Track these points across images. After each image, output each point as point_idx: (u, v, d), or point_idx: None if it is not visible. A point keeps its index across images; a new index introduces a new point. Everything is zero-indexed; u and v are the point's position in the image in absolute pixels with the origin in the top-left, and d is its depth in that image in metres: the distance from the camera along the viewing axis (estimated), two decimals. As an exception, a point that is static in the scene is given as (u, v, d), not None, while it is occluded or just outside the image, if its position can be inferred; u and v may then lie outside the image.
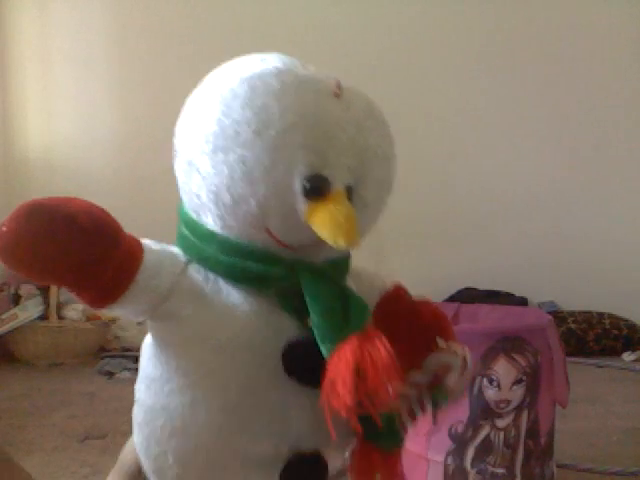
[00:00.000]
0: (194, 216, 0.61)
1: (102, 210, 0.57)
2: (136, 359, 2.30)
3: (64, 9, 2.84)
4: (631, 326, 2.63)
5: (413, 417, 0.61)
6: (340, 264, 0.63)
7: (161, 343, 0.60)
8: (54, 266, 0.53)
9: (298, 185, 0.55)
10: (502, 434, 1.05)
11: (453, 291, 2.78)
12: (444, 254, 2.87)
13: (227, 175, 0.55)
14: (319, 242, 0.55)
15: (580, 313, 2.70)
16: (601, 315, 2.67)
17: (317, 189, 0.55)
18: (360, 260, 2.47)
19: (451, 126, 2.91)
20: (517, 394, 1.05)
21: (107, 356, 2.33)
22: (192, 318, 0.58)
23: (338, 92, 0.58)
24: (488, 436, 1.04)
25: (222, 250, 0.58)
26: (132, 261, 0.57)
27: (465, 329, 1.08)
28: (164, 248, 0.61)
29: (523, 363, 1.05)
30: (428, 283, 2.87)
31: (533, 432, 1.07)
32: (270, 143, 0.54)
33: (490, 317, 1.34)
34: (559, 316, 2.63)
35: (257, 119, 0.54)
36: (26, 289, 2.40)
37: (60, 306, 2.44)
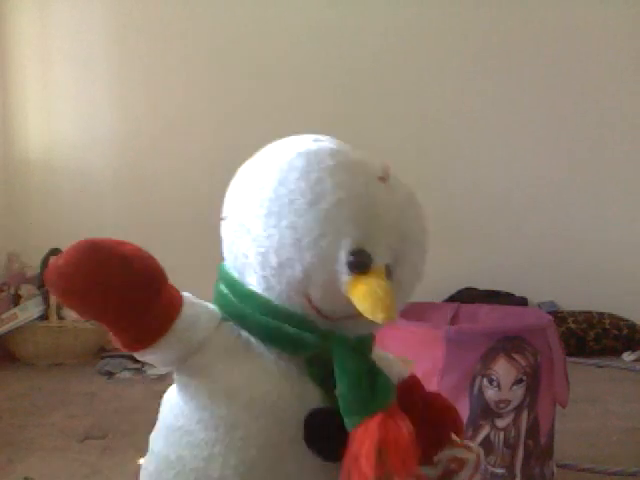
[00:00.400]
0: (236, 275, 0.64)
1: (151, 256, 0.59)
2: (136, 359, 2.31)
3: (64, 9, 2.84)
4: (631, 326, 2.63)
5: None
6: (368, 342, 0.66)
7: (186, 396, 0.61)
8: (102, 304, 0.55)
9: (343, 257, 0.58)
10: (502, 434, 1.05)
11: (453, 291, 2.78)
12: (444, 254, 2.86)
13: (277, 239, 0.58)
14: (354, 316, 0.58)
15: (580, 313, 2.70)
16: (601, 315, 2.67)
17: (360, 263, 0.58)
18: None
19: (450, 126, 2.91)
20: (517, 394, 1.05)
21: (107, 356, 2.33)
22: (221, 374, 0.59)
23: (385, 177, 0.63)
24: (488, 436, 1.04)
25: (261, 310, 0.60)
26: (172, 310, 0.59)
27: (465, 329, 1.09)
28: (202, 303, 0.64)
29: (523, 363, 1.05)
30: (428, 283, 2.86)
31: (533, 432, 1.07)
32: (321, 214, 0.57)
33: (490, 317, 1.34)
34: (559, 316, 2.63)
35: (311, 191, 0.58)
36: (26, 289, 2.40)
37: (60, 306, 2.44)
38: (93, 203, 2.74)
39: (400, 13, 2.89)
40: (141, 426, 1.61)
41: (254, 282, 0.61)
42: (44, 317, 2.38)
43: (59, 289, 0.55)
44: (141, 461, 0.66)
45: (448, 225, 2.89)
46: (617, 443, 1.53)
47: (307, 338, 0.59)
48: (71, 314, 2.45)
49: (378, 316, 0.55)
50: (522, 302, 2.74)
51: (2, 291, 2.41)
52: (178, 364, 0.61)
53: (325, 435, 0.57)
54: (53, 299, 2.40)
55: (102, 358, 2.32)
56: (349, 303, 0.58)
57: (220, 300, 0.64)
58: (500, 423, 1.04)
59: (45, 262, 2.46)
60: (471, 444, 0.65)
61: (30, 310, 2.35)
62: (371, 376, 0.59)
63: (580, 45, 2.88)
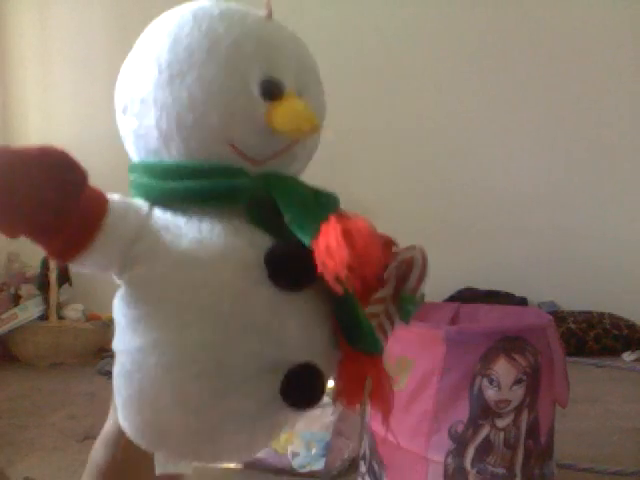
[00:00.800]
0: (151, 159, 0.63)
1: (67, 153, 0.56)
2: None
3: (64, 10, 2.84)
4: (631, 326, 2.63)
5: (384, 333, 0.64)
6: (296, 177, 0.66)
7: (139, 286, 0.59)
8: (24, 208, 0.52)
9: (255, 89, 0.59)
10: (502, 434, 1.05)
11: (453, 291, 2.78)
12: (444, 254, 2.86)
13: (186, 97, 0.58)
14: (278, 153, 0.60)
15: (580, 313, 2.70)
16: (601, 315, 2.67)
17: (273, 90, 0.59)
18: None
19: (450, 127, 2.91)
20: (517, 394, 1.05)
21: (107, 356, 2.33)
22: (169, 251, 0.58)
23: (270, 15, 0.64)
24: (488, 436, 1.04)
25: (189, 175, 0.59)
26: (99, 202, 0.57)
27: (465, 329, 1.09)
28: (126, 197, 0.62)
29: (523, 363, 1.05)
30: (428, 283, 2.87)
31: (533, 432, 1.07)
32: (223, 57, 0.58)
33: (490, 317, 1.34)
34: (559, 316, 2.63)
35: (207, 39, 0.59)
36: (26, 289, 2.40)
37: (60, 306, 2.44)
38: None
39: (398, 13, 2.90)
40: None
41: (173, 153, 0.60)
42: (44, 317, 2.39)
43: None
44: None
45: (448, 225, 2.90)
46: (617, 443, 1.53)
47: (242, 183, 0.59)
48: (71, 314, 2.45)
49: (304, 127, 0.57)
50: (522, 302, 2.74)
51: (2, 291, 2.41)
52: (121, 261, 0.58)
53: (289, 267, 0.57)
54: (53, 299, 2.40)
55: (102, 358, 2.32)
56: (272, 139, 0.59)
57: (140, 190, 0.62)
58: (500, 423, 1.04)
59: (45, 262, 2.47)
60: (412, 245, 0.65)
61: (30, 310, 2.35)
62: (314, 195, 0.62)
63: (579, 44, 2.88)
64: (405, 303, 0.64)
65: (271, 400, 0.57)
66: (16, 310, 2.33)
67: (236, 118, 0.59)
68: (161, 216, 0.59)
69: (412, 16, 2.90)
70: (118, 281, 0.61)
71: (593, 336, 2.58)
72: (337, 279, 0.53)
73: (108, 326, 2.50)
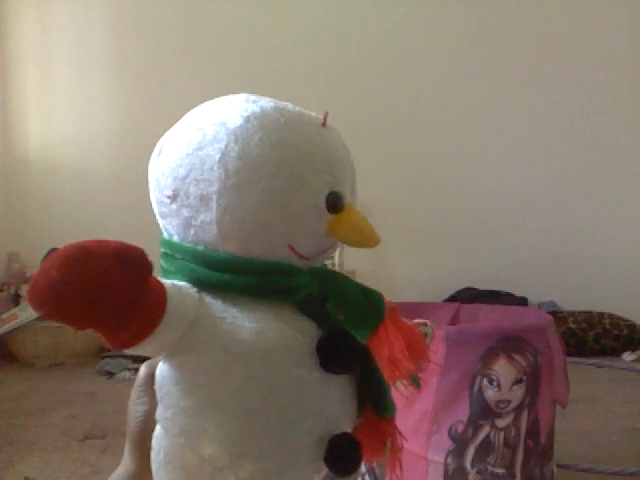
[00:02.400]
0: (200, 247, 0.64)
1: (141, 249, 0.58)
2: (136, 359, 2.33)
3: (64, 11, 2.84)
4: (631, 326, 2.63)
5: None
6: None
7: (199, 374, 0.61)
8: (106, 308, 0.53)
9: (322, 203, 0.63)
10: (502, 434, 1.05)
11: (453, 291, 2.78)
12: (444, 254, 2.87)
13: (254, 204, 0.61)
14: (325, 250, 0.65)
15: (580, 313, 2.70)
16: (601, 315, 2.67)
17: (335, 204, 0.64)
18: (360, 260, 2.49)
19: (450, 126, 2.91)
20: (517, 394, 1.05)
21: (107, 356, 2.33)
22: (229, 342, 0.60)
23: (325, 123, 0.66)
24: (488, 436, 1.04)
25: (245, 270, 0.63)
26: (160, 292, 0.59)
27: (465, 329, 1.08)
28: (176, 282, 0.63)
29: (523, 363, 1.05)
30: (428, 283, 2.88)
31: (533, 432, 1.07)
32: (292, 172, 0.61)
33: (490, 317, 1.34)
34: (559, 316, 2.63)
35: (276, 152, 0.61)
36: (26, 289, 2.39)
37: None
38: (93, 202, 2.75)
39: (398, 12, 2.90)
40: (141, 426, 1.61)
41: (230, 248, 0.63)
42: (44, 317, 2.39)
43: (60, 308, 0.51)
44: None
45: (448, 225, 2.90)
46: (617, 443, 1.53)
47: (300, 282, 0.63)
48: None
49: (369, 243, 0.63)
50: (522, 302, 2.74)
51: (2, 291, 2.41)
52: (174, 347, 0.60)
53: (337, 355, 0.63)
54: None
55: (102, 358, 2.32)
56: (326, 240, 0.64)
57: (188, 273, 0.63)
58: (500, 423, 1.04)
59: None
60: (420, 320, 0.71)
61: (30, 310, 2.35)
62: (364, 293, 0.66)
63: (579, 43, 2.88)
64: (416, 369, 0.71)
65: (317, 468, 0.63)
66: (16, 310, 2.33)
67: (300, 228, 0.62)
68: (214, 303, 0.62)
69: (412, 13, 2.90)
70: (164, 361, 0.62)
71: (593, 336, 2.58)
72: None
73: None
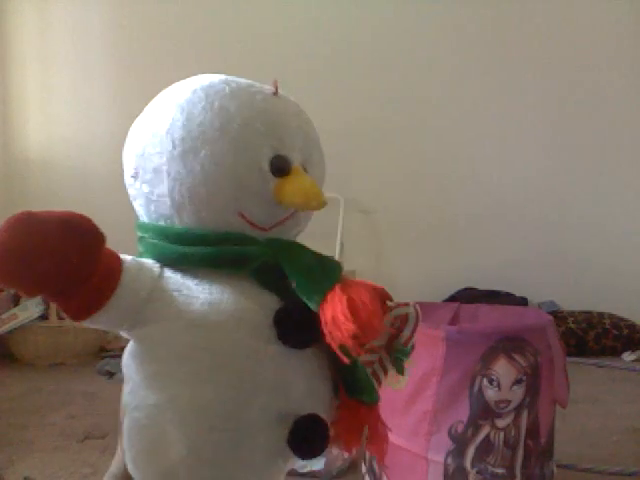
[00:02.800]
0: (163, 223, 0.66)
1: (85, 215, 0.59)
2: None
3: (63, 11, 2.84)
4: (631, 326, 2.63)
5: (378, 379, 0.68)
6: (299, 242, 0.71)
7: (153, 344, 0.61)
8: (47, 271, 0.54)
9: (266, 166, 0.63)
10: (502, 434, 1.05)
11: (453, 291, 2.78)
12: (444, 254, 2.87)
13: (199, 171, 0.62)
14: (283, 221, 0.65)
15: (580, 313, 2.70)
16: (601, 315, 2.67)
17: (282, 167, 0.64)
18: (360, 260, 2.49)
19: (450, 126, 2.91)
20: (517, 394, 1.05)
21: (107, 356, 2.33)
22: (183, 312, 0.60)
23: (276, 92, 0.68)
24: (488, 436, 1.04)
25: (200, 241, 0.63)
26: (114, 264, 0.60)
27: (465, 329, 1.08)
28: (138, 258, 0.64)
29: (523, 363, 1.05)
30: (428, 283, 2.88)
31: (533, 432, 1.07)
32: (234, 135, 0.62)
33: (490, 317, 1.34)
34: (559, 316, 2.63)
35: (218, 118, 0.63)
36: None
37: (60, 306, 2.44)
38: (92, 202, 2.73)
39: (397, 12, 2.90)
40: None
41: (184, 220, 0.64)
42: (44, 317, 2.38)
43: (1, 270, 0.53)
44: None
45: (448, 225, 2.90)
46: (617, 443, 1.53)
47: (251, 251, 0.63)
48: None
49: (312, 204, 0.62)
50: (522, 302, 2.74)
51: (2, 291, 2.41)
52: (133, 319, 0.61)
53: (296, 328, 0.61)
54: (53, 299, 2.40)
55: (102, 358, 2.32)
56: (278, 208, 0.64)
57: (152, 250, 0.65)
58: (500, 423, 1.04)
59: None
60: (405, 303, 0.69)
61: (30, 310, 2.35)
62: (318, 260, 0.65)
63: (579, 42, 2.88)
64: (398, 354, 0.68)
65: (279, 450, 0.62)
66: (16, 310, 2.33)
67: (247, 192, 0.63)
68: (172, 277, 0.63)
69: (412, 13, 2.90)
70: (127, 336, 0.63)
71: (593, 336, 2.58)
72: (343, 348, 0.57)
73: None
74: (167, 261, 0.64)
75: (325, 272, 0.63)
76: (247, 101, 0.64)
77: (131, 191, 0.70)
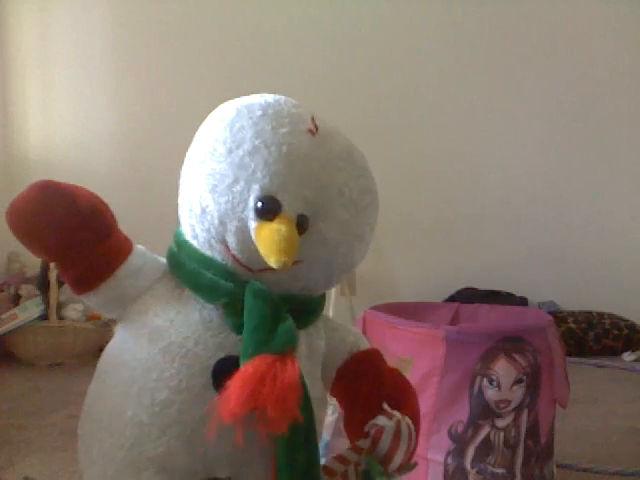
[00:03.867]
0: (180, 228, 0.68)
1: (103, 203, 0.63)
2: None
3: (64, 11, 2.84)
4: (631, 326, 2.63)
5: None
6: (302, 301, 0.65)
7: (117, 340, 0.64)
8: (47, 237, 0.58)
9: (251, 203, 0.59)
10: (502, 434, 1.05)
11: (453, 291, 2.78)
12: (444, 254, 2.87)
13: (200, 186, 0.61)
14: (273, 269, 0.58)
15: (580, 313, 2.70)
16: (601, 315, 2.67)
17: (267, 210, 0.58)
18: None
19: (450, 126, 2.91)
20: (517, 394, 1.05)
21: (107, 356, 2.33)
22: (150, 319, 0.61)
23: (313, 129, 0.62)
24: (488, 436, 1.04)
25: (188, 257, 0.63)
26: (117, 255, 0.62)
27: (465, 329, 1.08)
28: (153, 255, 0.66)
29: (523, 363, 1.05)
30: (428, 283, 2.87)
31: (533, 432, 1.07)
32: (236, 161, 0.59)
33: (490, 317, 1.34)
34: (559, 316, 2.63)
35: (232, 139, 0.60)
36: (26, 289, 2.40)
37: (60, 306, 2.44)
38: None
39: (396, 11, 2.89)
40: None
41: (188, 231, 0.64)
42: (44, 317, 2.38)
43: (12, 225, 0.59)
44: None
45: (448, 225, 2.90)
46: (617, 443, 1.53)
47: (222, 284, 0.60)
48: (71, 314, 2.45)
49: (271, 259, 0.56)
50: (522, 302, 2.74)
51: (2, 291, 2.41)
52: (120, 311, 0.63)
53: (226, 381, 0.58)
54: (53, 299, 2.40)
55: (102, 358, 2.32)
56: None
57: (167, 253, 0.67)
58: (500, 423, 1.04)
59: (45, 262, 2.46)
60: (394, 412, 0.64)
61: (30, 310, 2.35)
62: (274, 321, 0.59)
63: (579, 43, 2.88)
64: (368, 466, 0.63)
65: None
66: (16, 310, 2.33)
67: (231, 225, 0.59)
68: (168, 284, 0.63)
69: (414, 13, 2.90)
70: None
71: (593, 336, 2.58)
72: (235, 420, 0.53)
73: (108, 326, 2.49)
74: (170, 266, 0.65)
75: (272, 336, 0.58)
76: (268, 130, 0.59)
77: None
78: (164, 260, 0.66)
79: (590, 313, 2.70)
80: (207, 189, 0.60)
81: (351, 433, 0.67)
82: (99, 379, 0.63)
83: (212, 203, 0.59)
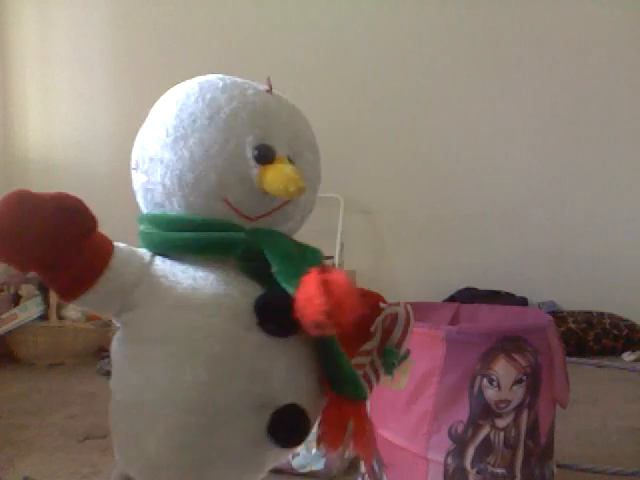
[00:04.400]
0: (157, 211, 0.69)
1: (78, 198, 0.63)
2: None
3: (64, 11, 2.84)
4: (631, 326, 2.63)
5: (369, 383, 0.69)
6: (288, 236, 0.72)
7: (137, 327, 0.63)
8: (39, 242, 0.57)
9: (249, 153, 0.65)
10: (502, 434, 1.05)
11: (453, 291, 2.78)
12: (444, 254, 2.87)
13: (188, 157, 0.65)
14: (270, 212, 0.66)
15: (580, 313, 2.70)
16: (601, 315, 2.67)
17: (265, 155, 0.66)
18: (360, 260, 2.49)
19: (450, 126, 2.91)
20: (517, 394, 1.05)
21: (107, 356, 2.31)
22: (166, 296, 0.62)
23: (270, 90, 0.71)
24: (488, 436, 1.04)
25: (187, 227, 0.65)
26: (106, 246, 0.62)
27: (465, 329, 1.08)
28: (130, 245, 0.67)
29: (523, 363, 1.05)
30: (428, 283, 2.88)
31: (533, 432, 1.07)
32: (222, 124, 0.65)
33: (490, 317, 1.34)
34: (559, 316, 2.63)
35: (209, 108, 0.66)
36: (26, 289, 2.40)
37: (60, 306, 2.44)
38: (92, 202, 2.73)
39: (395, 12, 2.90)
40: (141, 426, 1.61)
41: (176, 206, 0.66)
42: (44, 317, 2.38)
43: None
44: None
45: (448, 225, 2.90)
46: (617, 443, 1.53)
47: (235, 237, 0.65)
48: (71, 314, 2.45)
49: (291, 189, 0.63)
50: (522, 302, 2.74)
51: (2, 291, 2.41)
52: (122, 303, 0.63)
53: (276, 315, 0.62)
54: (53, 299, 2.40)
55: (102, 358, 2.32)
56: (264, 199, 0.66)
57: (146, 239, 0.67)
58: (500, 423, 1.04)
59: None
60: (399, 303, 0.71)
61: (30, 310, 2.35)
62: (299, 249, 0.67)
63: (578, 43, 2.89)
64: (388, 356, 0.69)
65: (258, 438, 0.61)
66: (16, 310, 2.33)
67: (231, 178, 0.65)
68: (160, 264, 0.65)
69: (413, 13, 2.90)
70: (116, 323, 0.65)
71: (593, 336, 2.58)
72: (315, 325, 0.57)
73: (108, 326, 2.49)
74: (157, 248, 0.66)
75: (305, 259, 0.65)
76: (238, 94, 0.67)
77: (134, 184, 0.73)
78: (139, 248, 0.67)
79: (590, 313, 2.70)
80: (199, 156, 0.64)
81: (349, 353, 0.70)
82: (134, 368, 0.62)
83: (208, 166, 0.64)
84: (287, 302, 0.60)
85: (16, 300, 2.38)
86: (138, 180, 0.71)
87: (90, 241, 0.60)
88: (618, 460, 1.39)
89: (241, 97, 0.67)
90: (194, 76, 0.73)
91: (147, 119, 0.72)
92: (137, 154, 0.72)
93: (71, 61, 2.85)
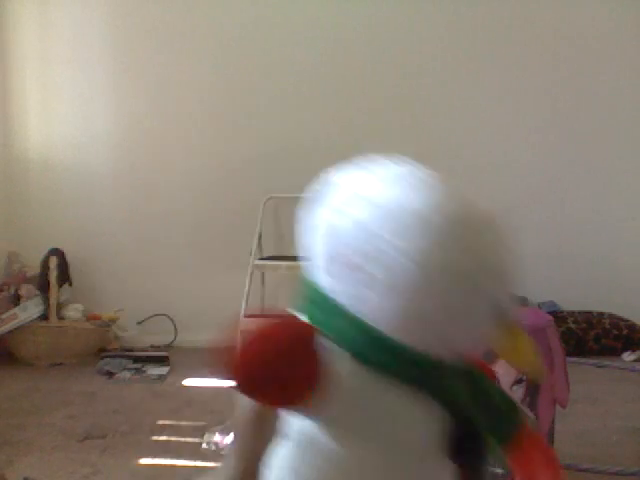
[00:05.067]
0: (369, 324, 0.63)
1: (303, 322, 0.64)
2: (136, 359, 2.31)
3: (64, 11, 2.84)
4: (631, 326, 2.63)
5: None
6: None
7: (327, 435, 0.63)
8: (294, 382, 0.59)
9: (487, 312, 0.63)
10: (502, 434, 1.04)
11: (453, 291, 2.78)
12: (444, 254, 2.86)
13: (431, 307, 0.60)
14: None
15: (580, 313, 2.70)
16: (601, 315, 2.67)
17: (501, 317, 0.65)
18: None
19: (450, 126, 2.90)
20: (517, 394, 1.05)
21: (107, 356, 2.33)
22: (373, 404, 0.63)
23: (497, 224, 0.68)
24: (488, 436, 1.04)
25: (405, 355, 0.63)
26: (320, 357, 0.62)
27: (465, 329, 1.08)
28: (321, 343, 0.65)
29: (523, 363, 1.04)
30: (428, 283, 2.87)
31: (533, 432, 1.07)
32: (471, 286, 0.62)
33: (490, 317, 1.33)
34: (559, 316, 2.63)
35: (466, 261, 0.62)
36: (26, 289, 2.40)
37: (60, 306, 2.44)
38: (92, 201, 2.74)
39: (395, 11, 2.89)
40: (141, 426, 1.61)
41: (390, 331, 0.62)
42: (44, 317, 2.38)
43: (252, 385, 0.59)
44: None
45: (448, 225, 2.89)
46: (617, 443, 1.53)
47: (449, 384, 0.65)
48: (71, 314, 2.45)
49: (534, 373, 0.69)
50: (522, 302, 2.74)
51: (2, 291, 2.41)
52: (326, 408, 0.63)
53: (467, 450, 0.64)
54: (53, 299, 2.40)
55: (102, 358, 2.32)
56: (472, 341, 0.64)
57: (341, 337, 0.64)
58: (500, 423, 1.04)
59: (45, 262, 2.46)
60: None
61: (30, 310, 2.35)
62: (502, 397, 0.68)
63: (579, 43, 2.88)
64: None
65: None
66: (16, 310, 2.33)
67: (462, 334, 0.62)
68: (361, 377, 0.63)
69: (416, 11, 2.89)
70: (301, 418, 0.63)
71: (593, 336, 2.58)
72: None
73: (108, 326, 2.49)
74: (357, 354, 0.63)
75: (509, 414, 0.67)
76: (486, 248, 0.66)
77: (332, 268, 0.65)
78: (336, 348, 0.64)
79: (590, 313, 2.69)
80: (444, 319, 0.61)
81: None
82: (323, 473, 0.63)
83: (448, 325, 0.61)
84: (481, 444, 0.64)
85: (16, 300, 2.38)
86: (348, 276, 0.64)
87: (317, 366, 0.61)
88: (618, 460, 1.39)
89: (489, 249, 0.68)
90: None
91: (373, 217, 0.66)
92: (360, 256, 0.65)
93: (71, 61, 2.85)
